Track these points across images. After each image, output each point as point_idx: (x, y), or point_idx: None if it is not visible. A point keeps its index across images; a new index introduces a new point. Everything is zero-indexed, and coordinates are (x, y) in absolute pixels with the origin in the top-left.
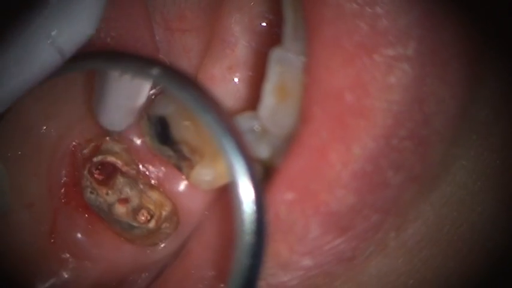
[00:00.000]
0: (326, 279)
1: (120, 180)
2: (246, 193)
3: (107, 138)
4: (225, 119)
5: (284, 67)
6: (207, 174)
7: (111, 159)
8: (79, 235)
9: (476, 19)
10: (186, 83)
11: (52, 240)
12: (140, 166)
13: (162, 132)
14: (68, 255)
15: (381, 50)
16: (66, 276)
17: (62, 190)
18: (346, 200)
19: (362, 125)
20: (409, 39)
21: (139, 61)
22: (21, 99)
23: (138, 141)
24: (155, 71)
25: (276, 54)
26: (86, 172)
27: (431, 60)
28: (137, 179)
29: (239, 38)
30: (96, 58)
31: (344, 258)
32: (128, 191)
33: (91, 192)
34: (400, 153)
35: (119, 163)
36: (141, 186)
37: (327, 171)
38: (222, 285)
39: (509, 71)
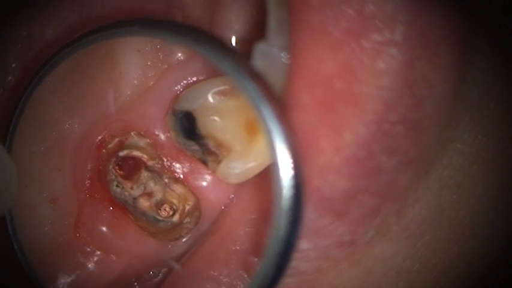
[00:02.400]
0: (328, 262)
1: (144, 174)
2: (284, 159)
3: (132, 133)
4: (264, 87)
5: (267, 62)
6: (236, 168)
7: (136, 153)
8: (104, 228)
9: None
10: (227, 51)
11: (77, 234)
12: (165, 161)
13: (188, 127)
14: (92, 249)
15: (368, 35)
16: (90, 269)
17: (87, 184)
18: (339, 186)
19: (352, 111)
20: (397, 24)
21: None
22: (45, 95)
23: (163, 136)
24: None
25: (259, 48)
26: (111, 166)
27: (419, 44)
28: (161, 174)
29: (236, 31)
30: (131, 26)
31: (343, 242)
32: (151, 186)
33: (117, 186)
34: (393, 138)
35: (144, 157)
36: (166, 181)
37: (318, 157)
38: (255, 259)
39: (499, 51)
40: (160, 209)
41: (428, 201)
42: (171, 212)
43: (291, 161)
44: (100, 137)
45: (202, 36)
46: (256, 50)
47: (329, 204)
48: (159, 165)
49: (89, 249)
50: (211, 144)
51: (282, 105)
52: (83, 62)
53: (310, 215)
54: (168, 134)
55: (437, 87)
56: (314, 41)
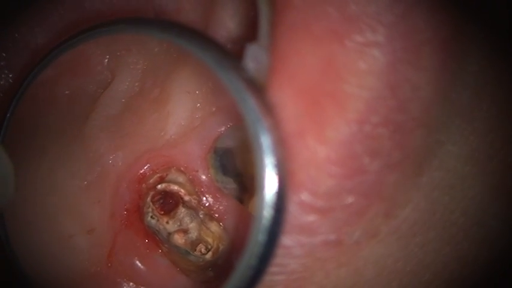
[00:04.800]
0: (314, 261)
1: (181, 210)
2: (267, 150)
3: (173, 169)
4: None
5: (258, 63)
6: None
7: (174, 187)
8: (137, 260)
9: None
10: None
11: (109, 264)
12: (203, 199)
13: (227, 165)
14: (124, 280)
15: (350, 35)
16: None
17: (124, 214)
18: (322, 182)
19: (334, 108)
20: (379, 26)
21: (161, 23)
22: (94, 132)
23: (203, 174)
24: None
25: (250, 50)
26: (148, 199)
27: (402, 46)
28: (198, 210)
29: (232, 33)
30: (116, 24)
31: (329, 241)
32: (187, 222)
33: (152, 217)
34: (375, 140)
35: (182, 192)
36: (202, 217)
37: (302, 151)
38: None
39: (492, 54)
40: (195, 248)
41: (419, 202)
42: (205, 252)
43: (275, 152)
44: (141, 171)
45: (189, 32)
46: (247, 51)
47: (312, 200)
48: (196, 202)
49: (119, 279)
50: (248, 182)
51: (266, 99)
52: (135, 103)
53: (294, 210)
54: (208, 172)
55: (421, 90)
56: (297, 38)
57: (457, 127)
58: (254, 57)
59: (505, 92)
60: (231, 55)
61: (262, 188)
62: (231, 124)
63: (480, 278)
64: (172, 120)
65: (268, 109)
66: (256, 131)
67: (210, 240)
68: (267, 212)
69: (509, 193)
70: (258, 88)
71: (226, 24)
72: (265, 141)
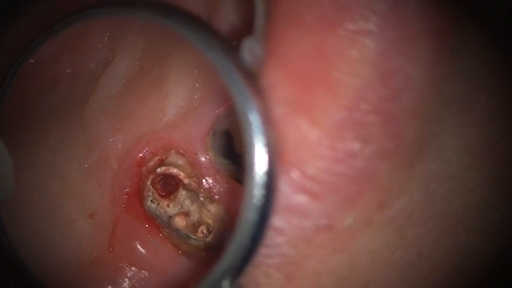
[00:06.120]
0: (307, 245)
1: (182, 193)
2: (258, 130)
3: (172, 152)
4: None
5: (254, 58)
6: None
7: (173, 171)
8: (138, 245)
9: None
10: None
11: (111, 249)
12: (203, 181)
13: (226, 147)
14: (125, 264)
15: (343, 23)
16: (122, 284)
17: (124, 199)
18: (311, 163)
19: (325, 93)
20: (371, 14)
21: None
22: (94, 114)
23: (202, 156)
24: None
25: (246, 45)
26: (148, 183)
27: (395, 35)
28: (198, 193)
29: (235, 26)
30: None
31: (320, 225)
32: (188, 205)
33: (152, 201)
34: (366, 127)
35: (181, 175)
36: (202, 200)
37: (292, 132)
38: None
39: (489, 45)
40: (197, 230)
41: (415, 193)
42: (207, 233)
43: (264, 132)
44: (141, 154)
45: (177, 13)
46: (243, 45)
47: (302, 181)
48: (196, 184)
49: (121, 264)
50: None
51: (257, 83)
52: (135, 83)
53: (284, 189)
54: (207, 154)
55: (414, 80)
56: (290, 26)
57: (453, 118)
58: (250, 50)
59: (504, 84)
60: (220, 35)
61: (252, 166)
62: (230, 104)
63: (483, 271)
64: (171, 101)
65: (259, 91)
66: (246, 110)
67: (210, 222)
68: (257, 191)
69: (510, 184)
70: (250, 73)
71: (229, 18)
72: (255, 121)
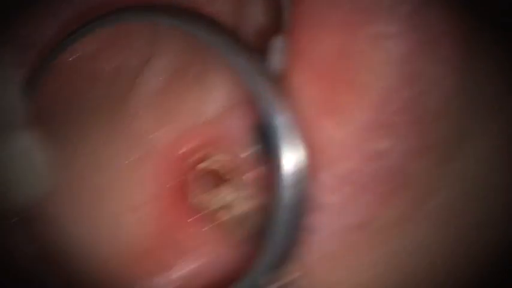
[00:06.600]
0: (341, 243)
1: (223, 188)
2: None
3: (213, 147)
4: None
5: (281, 60)
6: None
7: (215, 166)
8: (183, 239)
9: None
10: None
11: (157, 243)
12: (244, 177)
13: (267, 143)
14: (171, 258)
15: (364, 27)
16: (170, 277)
17: (167, 194)
18: (341, 164)
19: (350, 96)
20: (393, 17)
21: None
22: (137, 108)
23: (243, 152)
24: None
25: (274, 43)
26: (191, 178)
27: (418, 38)
28: (240, 188)
29: (263, 27)
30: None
31: (353, 225)
32: (230, 199)
33: (194, 196)
34: (393, 128)
35: (223, 170)
36: (244, 194)
37: (320, 134)
38: None
39: None
40: (240, 224)
41: (449, 191)
42: (249, 228)
43: (294, 134)
44: (183, 150)
45: (198, 19)
46: (274, 44)
47: (332, 182)
48: (237, 180)
49: (167, 257)
50: None
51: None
52: (176, 79)
53: (315, 190)
54: (250, 150)
55: (439, 83)
56: (314, 28)
57: (486, 117)
58: (277, 50)
59: None
60: (241, 38)
61: (280, 168)
62: None
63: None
64: (212, 97)
65: (286, 92)
66: (273, 113)
67: (252, 216)
68: (287, 192)
69: None
70: (276, 75)
71: (257, 19)
72: (283, 123)
